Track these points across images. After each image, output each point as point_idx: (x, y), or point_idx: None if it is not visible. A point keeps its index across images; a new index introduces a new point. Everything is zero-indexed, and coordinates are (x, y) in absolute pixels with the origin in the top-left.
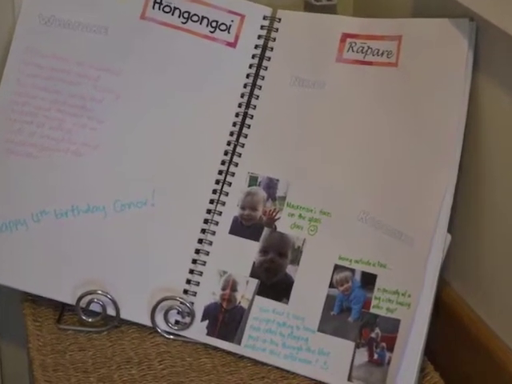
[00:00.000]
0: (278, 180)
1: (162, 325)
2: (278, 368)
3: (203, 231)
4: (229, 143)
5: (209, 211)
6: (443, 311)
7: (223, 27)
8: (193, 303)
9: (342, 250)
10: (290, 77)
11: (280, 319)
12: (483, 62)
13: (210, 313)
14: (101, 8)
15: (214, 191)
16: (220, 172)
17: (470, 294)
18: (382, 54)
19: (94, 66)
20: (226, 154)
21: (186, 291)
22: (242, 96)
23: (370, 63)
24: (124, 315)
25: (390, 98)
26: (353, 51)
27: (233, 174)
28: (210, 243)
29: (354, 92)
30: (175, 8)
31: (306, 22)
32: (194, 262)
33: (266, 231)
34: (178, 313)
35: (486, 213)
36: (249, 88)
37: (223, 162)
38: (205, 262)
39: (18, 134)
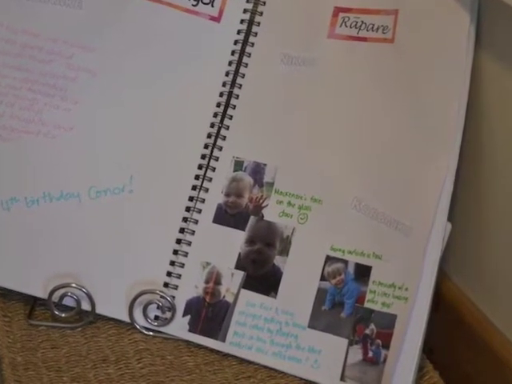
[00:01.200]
0: (265, 165)
1: (140, 320)
2: (265, 367)
3: (185, 220)
4: (212, 125)
5: (191, 198)
6: (443, 306)
7: (206, 0)
8: (174, 297)
9: (335, 240)
10: (279, 54)
11: (268, 314)
12: (486, 38)
13: (193, 307)
14: None
15: (197, 177)
16: (203, 156)
17: (471, 288)
18: (377, 29)
19: (67, 43)
20: (209, 136)
21: (166, 284)
22: (227, 74)
23: (364, 39)
24: (100, 310)
25: (386, 76)
26: (346, 26)
27: (217, 159)
28: (193, 233)
29: (346, 70)
30: None
31: None
32: (175, 252)
33: (252, 220)
34: (158, 307)
35: (490, 200)
36: (234, 66)
37: (206, 146)
38: (186, 253)
39: None
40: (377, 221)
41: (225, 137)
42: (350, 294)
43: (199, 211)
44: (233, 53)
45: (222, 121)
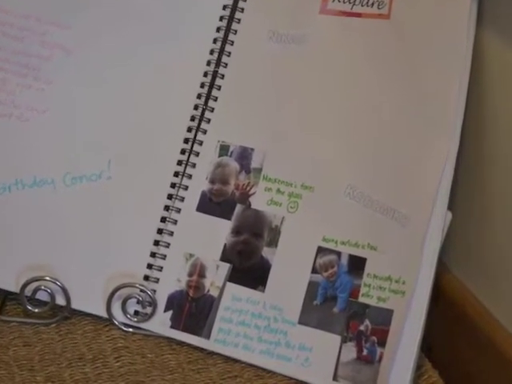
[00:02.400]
0: (252, 149)
1: (119, 316)
2: (252, 366)
3: (167, 208)
4: (196, 107)
5: (173, 185)
6: (443, 300)
7: None
8: (155, 291)
9: (327, 230)
10: (267, 31)
11: (255, 310)
12: (488, 15)
13: (175, 302)
14: None
15: (179, 162)
16: (186, 140)
17: (473, 281)
18: (373, 4)
19: (40, 19)
20: (192, 119)
21: (146, 277)
22: (212, 53)
23: (358, 15)
24: (76, 305)
25: (382, 55)
26: (339, 1)
27: (201, 143)
28: (175, 222)
29: (340, 48)
30: None
31: None
32: (156, 243)
33: (238, 208)
34: (138, 302)
35: (493, 187)
36: (219, 43)
37: (189, 129)
38: (168, 244)
39: None
40: (372, 209)
41: (209, 119)
42: (343, 287)
43: (182, 199)
44: (218, 30)
45: (206, 102)
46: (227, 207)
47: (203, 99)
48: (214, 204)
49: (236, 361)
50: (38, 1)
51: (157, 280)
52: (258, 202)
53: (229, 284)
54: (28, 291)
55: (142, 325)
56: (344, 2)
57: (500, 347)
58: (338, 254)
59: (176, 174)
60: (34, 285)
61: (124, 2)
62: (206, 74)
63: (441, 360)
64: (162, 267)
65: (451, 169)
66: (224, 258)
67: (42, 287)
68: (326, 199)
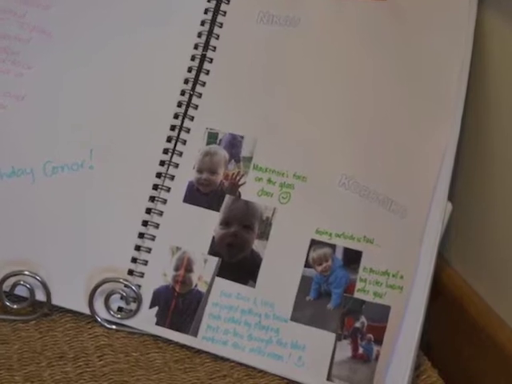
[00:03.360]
0: (242, 137)
1: (102, 312)
2: (242, 365)
3: (152, 199)
4: (183, 93)
5: (159, 175)
6: (443, 296)
7: None
8: (139, 286)
9: (321, 222)
10: (258, 12)
11: (245, 306)
12: None
13: (161, 298)
14: None
15: (166, 151)
16: (172, 128)
17: (474, 276)
18: None
19: (19, 0)
20: (179, 105)
21: (131, 272)
22: (199, 35)
23: None
24: (56, 301)
25: (378, 38)
26: None
27: (188, 130)
28: (161, 214)
29: (334, 31)
30: None
31: None
32: (141, 236)
33: (227, 199)
34: (122, 298)
35: (495, 177)
36: (207, 26)
37: (176, 116)
38: (154, 237)
39: None
40: (368, 200)
41: (197, 106)
42: (338, 282)
43: (168, 189)
44: (206, 11)
45: (193, 88)
46: (216, 198)
47: (190, 84)
48: (201, 195)
49: (225, 359)
50: None
51: (142, 274)
52: (248, 192)
53: (217, 279)
54: (6, 286)
55: (126, 322)
56: None
57: (502, 345)
58: (333, 247)
59: (162, 163)
60: (12, 280)
61: None
62: (193, 58)
63: (440, 359)
64: (147, 261)
65: (451, 157)
66: (212, 252)
67: (21, 282)
68: (320, 189)
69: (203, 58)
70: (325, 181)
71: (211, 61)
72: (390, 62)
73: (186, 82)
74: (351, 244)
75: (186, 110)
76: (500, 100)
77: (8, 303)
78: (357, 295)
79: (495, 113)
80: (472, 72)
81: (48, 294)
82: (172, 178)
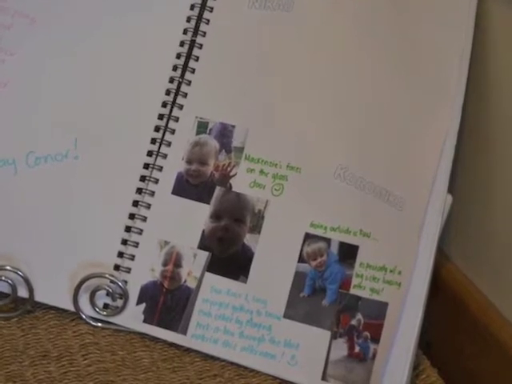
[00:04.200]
0: (233, 126)
1: (87, 309)
2: (233, 364)
3: (139, 191)
4: (172, 80)
5: (146, 166)
6: (442, 292)
7: None
8: (126, 282)
9: (315, 215)
10: None
11: (236, 302)
12: None
13: (148, 294)
14: None
15: (153, 141)
16: (160, 116)
17: (476, 271)
18: None
19: None
20: (167, 93)
21: (117, 267)
22: (189, 20)
23: None
24: (39, 297)
25: (375, 23)
26: None
27: (177, 119)
28: (148, 206)
29: (329, 16)
30: None
31: None
32: (128, 229)
33: (218, 191)
34: (108, 294)
35: (497, 168)
36: (197, 10)
37: (164, 104)
38: (141, 231)
39: None
40: (364, 192)
41: (186, 94)
42: (333, 278)
43: (156, 181)
44: None
45: (182, 75)
46: (206, 190)
47: (179, 71)
48: (191, 186)
49: (215, 358)
50: None
51: (128, 270)
52: (240, 184)
53: (207, 274)
54: None
55: (112, 319)
56: None
57: (505, 343)
58: (328, 241)
59: (149, 154)
60: None
61: None
62: (182, 44)
63: (440, 358)
64: (134, 256)
65: (452, 147)
66: (202, 246)
67: (3, 278)
68: (314, 181)
69: (192, 43)
70: (319, 172)
71: (201, 47)
72: (387, 50)
73: (175, 68)
74: (347, 238)
75: (175, 98)
76: (502, 89)
77: None
78: (353, 291)
79: (497, 102)
80: (473, 60)
81: (31, 290)
82: (160, 169)
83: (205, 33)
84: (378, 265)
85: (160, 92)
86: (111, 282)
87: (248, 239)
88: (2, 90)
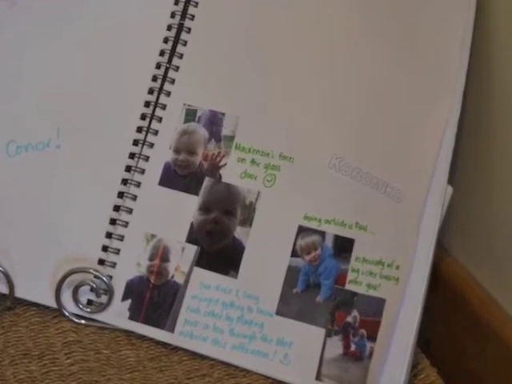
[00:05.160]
0: (223, 114)
1: (69, 306)
2: (223, 363)
3: (124, 182)
4: (158, 66)
5: (132, 155)
6: (442, 288)
7: None
8: (111, 277)
9: (309, 207)
10: None
11: (226, 298)
12: None
13: (134, 290)
14: None
15: (139, 129)
16: (147, 104)
17: (477, 266)
18: None
19: None
20: (154, 79)
21: (101, 261)
22: (176, 3)
23: None
24: (20, 293)
25: (374, 9)
26: None
27: (164, 107)
28: (134, 198)
29: (326, 1)
30: None
31: None
32: (113, 222)
33: (207, 182)
34: (92, 290)
35: (499, 158)
36: None
37: (151, 91)
38: (127, 223)
39: None
40: (361, 183)
41: (173, 80)
42: (328, 273)
43: (142, 171)
44: None
45: (170, 60)
46: (194, 181)
47: (166, 56)
48: (178, 177)
49: (204, 357)
50: None
51: (113, 264)
52: (230, 174)
53: (196, 269)
54: None
55: (96, 316)
56: None
57: (507, 341)
58: (322, 234)
59: (135, 143)
60: None
61: None
62: (169, 28)
63: (440, 356)
64: (119, 250)
65: (452, 136)
66: (190, 240)
67: None
68: (308, 171)
69: (180, 27)
70: (314, 162)
71: (189, 31)
72: (384, 31)
73: (162, 53)
74: (342, 231)
75: (162, 85)
76: (504, 77)
77: None
78: (348, 287)
79: (499, 90)
80: (474, 48)
81: (11, 286)
82: (146, 158)
83: (193, 16)
84: (375, 259)
85: (146, 78)
86: (95, 277)
87: (238, 232)
88: None
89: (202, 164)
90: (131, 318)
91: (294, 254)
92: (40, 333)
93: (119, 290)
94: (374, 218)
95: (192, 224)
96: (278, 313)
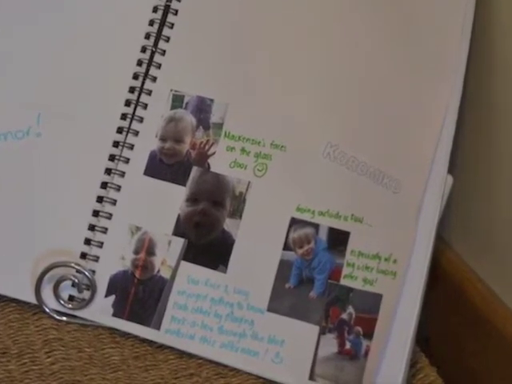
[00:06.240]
0: (212, 100)
1: (50, 302)
2: (211, 362)
3: (108, 172)
4: (144, 49)
5: (116, 144)
6: (442, 283)
7: None
8: (94, 272)
9: (302, 198)
10: None
11: (215, 294)
12: None
13: (118, 285)
14: None
15: (124, 116)
16: (131, 89)
17: (479, 260)
18: None
19: None
20: (139, 64)
21: (84, 255)
22: None
23: None
24: None
25: None
26: None
27: (149, 93)
28: (118, 188)
29: None
30: None
31: None
32: (96, 214)
33: (195, 172)
34: (74, 285)
35: (502, 147)
36: None
37: (136, 76)
38: (110, 215)
39: None
40: (356, 173)
41: (160, 64)
42: (322, 267)
43: (126, 160)
44: None
45: (156, 44)
46: (181, 170)
47: (152, 40)
48: (165, 166)
49: (192, 356)
50: None
51: (96, 258)
52: (219, 163)
53: (183, 263)
54: None
55: (78, 312)
56: None
57: (510, 338)
58: (316, 226)
59: (119, 131)
60: None
61: None
62: (155, 10)
63: (440, 355)
64: (102, 243)
65: (452, 124)
66: (177, 232)
67: None
68: (301, 160)
69: (167, 9)
70: (307, 150)
71: (176, 13)
72: (381, 13)
73: (148, 36)
74: (337, 223)
75: (148, 70)
76: (506, 63)
77: None
78: (343, 282)
79: (501, 76)
80: (475, 33)
81: None
82: (131, 147)
83: None
84: (372, 253)
85: (131, 63)
86: (77, 271)
87: (228, 224)
88: None
89: (190, 153)
90: (115, 314)
91: (286, 247)
92: (19, 330)
93: (102, 285)
94: (371, 209)
95: (179, 216)
96: (270, 309)
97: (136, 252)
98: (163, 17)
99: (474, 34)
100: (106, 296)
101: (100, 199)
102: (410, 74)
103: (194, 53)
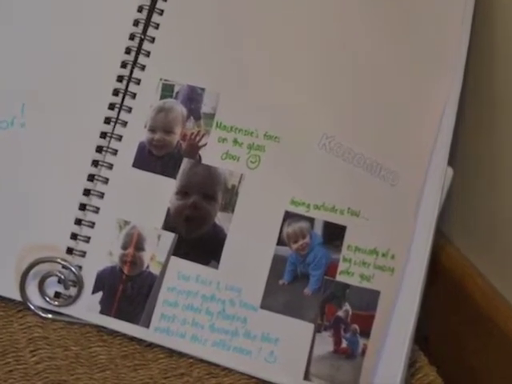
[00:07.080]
0: (203, 90)
1: (35, 299)
2: (203, 361)
3: (95, 164)
4: (132, 37)
5: (103, 135)
6: (442, 279)
7: None
8: (80, 267)
9: (296, 191)
10: None
11: (207, 291)
12: None
13: (106, 282)
14: None
15: (111, 106)
16: (119, 78)
17: (480, 255)
18: None
19: None
20: (128, 52)
21: (70, 250)
22: None
23: None
24: None
25: None
26: None
27: (138, 82)
28: (106, 181)
29: None
30: None
31: None
32: (83, 207)
33: (185, 163)
34: (60, 282)
35: (503, 138)
36: None
37: (124, 65)
38: (98, 209)
39: None
40: (353, 165)
41: (149, 52)
42: (317, 263)
43: (114, 152)
44: None
45: (144, 31)
46: (171, 162)
47: (141, 27)
48: (154, 158)
49: (182, 355)
50: None
51: (83, 253)
52: (211, 155)
53: (173, 258)
54: None
55: (64, 310)
56: None
57: (511, 336)
58: (311, 220)
59: (107, 121)
60: None
61: None
62: None
63: (439, 354)
64: (89, 237)
65: (452, 114)
66: (167, 226)
67: None
68: (296, 152)
69: None
70: (302, 142)
71: None
72: (383, 11)
73: (136, 23)
74: (333, 217)
75: (136, 58)
76: (507, 53)
77: None
78: (339, 278)
79: (501, 67)
80: (475, 24)
81: None
82: (119, 138)
83: None
84: (369, 248)
85: (119, 50)
86: (63, 267)
87: (220, 218)
88: None
89: (180, 144)
90: (102, 312)
91: (281, 242)
92: (3, 328)
93: (89, 281)
94: (368, 202)
95: (169, 209)
96: (263, 306)
97: (124, 247)
98: (152, 3)
99: (474, 24)
100: (93, 293)
101: (87, 192)
102: (410, 65)
103: (184, 40)
